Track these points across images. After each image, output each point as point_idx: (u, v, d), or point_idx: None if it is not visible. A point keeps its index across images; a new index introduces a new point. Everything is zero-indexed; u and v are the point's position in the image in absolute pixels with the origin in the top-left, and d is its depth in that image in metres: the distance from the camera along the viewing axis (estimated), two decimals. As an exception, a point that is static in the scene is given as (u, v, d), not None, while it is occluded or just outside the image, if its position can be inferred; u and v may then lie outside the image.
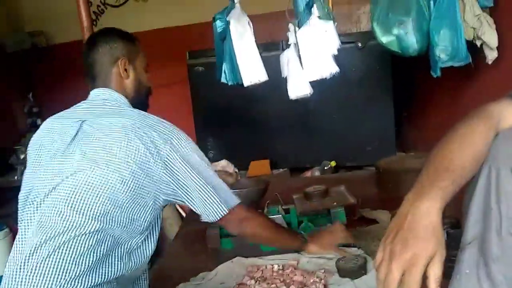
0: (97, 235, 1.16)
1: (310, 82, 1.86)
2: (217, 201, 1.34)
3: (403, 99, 3.42)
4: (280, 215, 1.86)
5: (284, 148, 3.36)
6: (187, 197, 1.33)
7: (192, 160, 1.32)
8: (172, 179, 1.28)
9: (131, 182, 1.22)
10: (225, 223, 1.43)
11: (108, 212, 1.18)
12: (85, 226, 1.15)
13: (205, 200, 1.33)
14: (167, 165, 1.27)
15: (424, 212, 0.88)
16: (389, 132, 3.18)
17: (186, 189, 1.31)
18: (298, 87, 1.82)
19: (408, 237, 0.86)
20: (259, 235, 1.53)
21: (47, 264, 1.11)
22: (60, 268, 1.11)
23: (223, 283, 1.68)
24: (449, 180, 0.92)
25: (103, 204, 1.18)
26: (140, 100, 1.53)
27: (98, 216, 1.17)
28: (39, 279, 1.10)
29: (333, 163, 3.24)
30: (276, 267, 1.72)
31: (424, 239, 0.85)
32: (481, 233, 0.96)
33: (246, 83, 1.90)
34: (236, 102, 3.28)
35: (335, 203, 1.80)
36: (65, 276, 1.11)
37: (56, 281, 1.10)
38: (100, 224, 1.16)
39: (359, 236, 1.89)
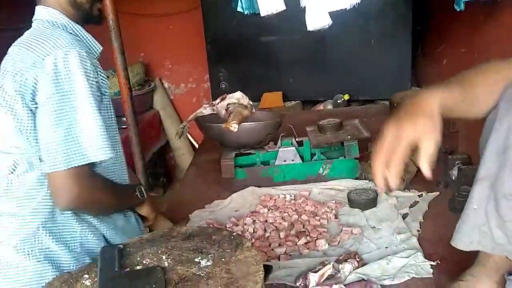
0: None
1: (329, 13, 1.80)
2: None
3: (420, 33, 3.31)
4: (294, 147, 1.88)
5: (296, 81, 3.32)
6: None
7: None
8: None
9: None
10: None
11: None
12: None
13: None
14: None
15: (423, 98, 0.95)
16: (405, 66, 3.12)
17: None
18: (317, 18, 1.77)
19: (404, 116, 0.93)
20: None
21: None
22: None
23: (237, 211, 1.74)
24: (456, 87, 0.97)
25: None
26: (83, 13, 1.32)
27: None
28: None
29: (346, 96, 3.21)
30: (288, 197, 1.77)
31: (421, 116, 0.92)
32: (496, 169, 0.99)
33: (263, 12, 1.84)
34: (250, 33, 3.20)
35: (349, 136, 1.81)
36: None
37: None
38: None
39: (370, 169, 1.92)
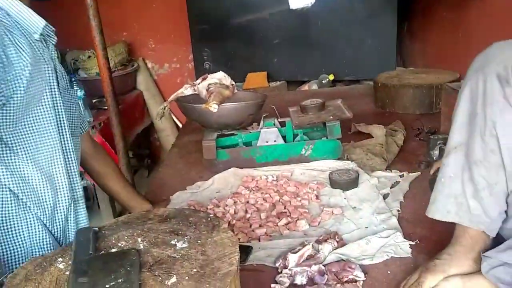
0: None
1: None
2: None
3: (406, 12, 3.29)
4: (276, 128, 1.86)
5: (281, 61, 3.30)
6: None
7: None
8: None
9: None
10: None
11: None
12: None
13: None
14: None
15: None
16: (390, 46, 3.11)
17: None
18: (300, -4, 1.74)
19: None
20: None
21: None
22: None
23: (219, 192, 1.73)
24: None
25: None
26: None
27: None
28: None
29: (331, 77, 3.20)
30: (270, 178, 1.77)
31: None
32: (467, 138, 1.01)
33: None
34: (234, 12, 3.16)
35: (331, 117, 1.80)
36: None
37: None
38: None
39: (353, 150, 1.92)
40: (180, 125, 3.99)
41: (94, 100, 3.35)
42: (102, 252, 0.95)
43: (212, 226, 0.98)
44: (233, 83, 1.99)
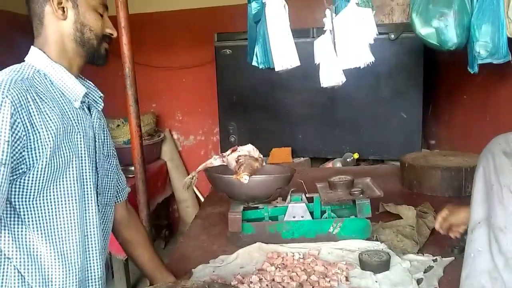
0: None
1: (343, 71, 1.81)
2: None
3: (431, 93, 3.35)
4: (304, 204, 1.83)
5: (306, 137, 3.32)
6: None
7: None
8: None
9: None
10: None
11: None
12: None
13: None
14: None
15: None
16: (415, 127, 3.12)
17: None
18: (331, 75, 1.78)
19: None
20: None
21: None
22: None
23: (243, 268, 1.67)
24: None
25: None
26: (89, 50, 1.18)
27: None
28: None
29: (356, 155, 3.19)
30: (297, 255, 1.70)
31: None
32: (488, 210, 1.05)
33: (278, 67, 1.86)
34: (261, 88, 3.25)
35: (361, 195, 1.77)
36: None
37: None
38: None
39: (382, 231, 1.86)
40: (201, 197, 3.97)
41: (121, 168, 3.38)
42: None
43: (243, 303, 0.93)
44: (261, 156, 2.00)
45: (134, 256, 1.45)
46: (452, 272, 1.56)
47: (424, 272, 1.55)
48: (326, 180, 1.93)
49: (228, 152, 1.88)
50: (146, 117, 3.75)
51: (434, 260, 1.63)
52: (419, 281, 1.49)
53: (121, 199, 1.36)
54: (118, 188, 1.34)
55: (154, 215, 3.88)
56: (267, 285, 1.49)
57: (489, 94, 2.55)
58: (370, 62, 1.78)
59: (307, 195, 1.89)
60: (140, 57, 2.79)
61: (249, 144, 1.97)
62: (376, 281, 1.50)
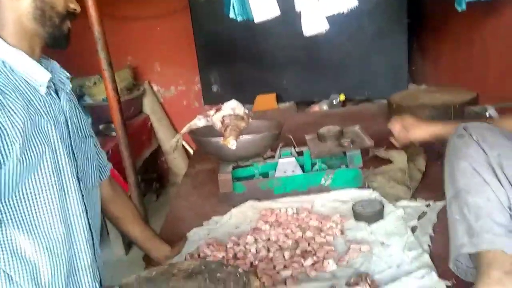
0: None
1: (326, 18, 1.72)
2: None
3: (416, 31, 3.25)
4: (293, 158, 1.80)
5: (290, 82, 3.25)
6: None
7: None
8: None
9: None
10: None
11: None
12: None
13: None
14: None
15: None
16: (401, 64, 3.05)
17: None
18: (314, 23, 1.68)
19: None
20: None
21: None
22: None
23: (238, 227, 1.66)
24: None
25: None
26: (50, 31, 1.07)
27: None
28: None
29: (342, 97, 3.14)
30: (290, 210, 1.69)
31: None
32: (457, 185, 1.16)
33: (257, 19, 1.75)
34: (241, 34, 3.12)
35: (351, 146, 1.74)
36: None
37: None
38: None
39: (374, 178, 1.85)
40: (188, 147, 3.94)
41: (100, 126, 3.29)
42: (126, 318, 0.88)
43: (242, 284, 0.91)
44: (247, 111, 1.93)
45: (125, 231, 1.43)
46: (445, 217, 1.57)
47: (418, 219, 1.56)
48: (315, 132, 1.89)
49: (212, 112, 1.81)
50: (122, 72, 3.61)
51: (427, 205, 1.64)
52: (413, 229, 1.50)
53: (104, 176, 1.31)
54: (100, 167, 1.29)
55: (143, 169, 3.86)
56: (263, 246, 1.49)
57: (475, 30, 2.48)
58: (353, 7, 1.68)
59: (296, 149, 1.85)
60: (108, 8, 2.62)
61: (233, 100, 1.90)
62: (371, 233, 1.51)
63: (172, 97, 4.06)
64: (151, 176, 4.09)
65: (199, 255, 1.49)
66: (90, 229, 1.13)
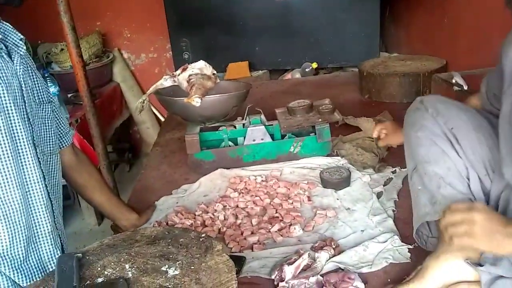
0: None
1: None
2: None
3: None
4: (263, 126, 1.79)
5: (263, 50, 3.20)
6: None
7: None
8: None
9: None
10: None
11: None
12: None
13: None
14: None
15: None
16: (373, 32, 3.04)
17: None
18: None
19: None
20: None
21: None
22: None
23: (206, 196, 1.66)
24: None
25: None
26: None
27: None
28: None
29: (314, 65, 3.12)
30: (259, 178, 1.70)
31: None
32: (416, 158, 1.18)
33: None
34: (214, 0, 3.04)
35: (320, 119, 1.73)
36: None
37: None
38: None
39: (342, 145, 1.87)
40: (161, 117, 3.88)
41: (69, 95, 3.20)
42: (88, 283, 0.87)
43: (205, 249, 0.92)
44: (215, 72, 1.90)
45: (89, 199, 1.40)
46: (410, 183, 1.60)
47: (384, 185, 1.59)
48: (287, 100, 1.87)
49: (179, 71, 1.77)
50: (91, 38, 3.48)
51: (393, 172, 1.67)
52: (379, 195, 1.53)
53: (65, 144, 1.27)
54: (61, 134, 1.25)
55: (115, 139, 3.80)
56: (231, 213, 1.50)
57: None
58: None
59: (266, 124, 1.83)
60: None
61: (201, 61, 1.86)
62: (338, 199, 1.53)
63: (143, 64, 3.96)
64: (124, 146, 4.03)
65: (167, 223, 1.49)
66: (49, 197, 1.10)
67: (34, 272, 1.07)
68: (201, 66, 1.84)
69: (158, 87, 1.80)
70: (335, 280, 1.14)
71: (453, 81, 1.76)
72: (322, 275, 1.16)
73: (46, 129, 1.13)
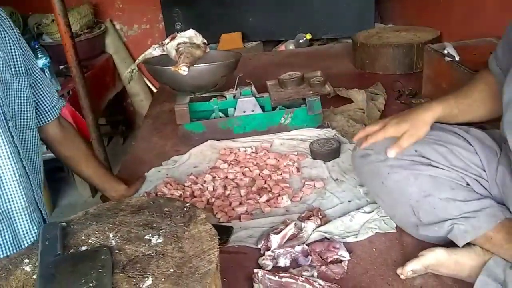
0: None
1: None
2: None
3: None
4: (253, 97, 1.78)
5: (257, 20, 3.15)
6: None
7: None
8: None
9: None
10: None
11: None
12: None
13: None
14: None
15: (420, 111, 1.13)
16: (368, 3, 2.99)
17: None
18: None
19: (397, 118, 1.14)
20: None
21: None
22: None
23: (196, 167, 1.66)
24: (452, 99, 1.14)
25: None
26: None
27: None
28: None
29: (308, 36, 3.08)
30: (249, 150, 1.70)
31: (408, 122, 1.11)
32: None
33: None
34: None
35: (311, 92, 1.72)
36: None
37: None
38: None
39: (333, 117, 1.86)
40: (154, 89, 3.85)
41: (61, 67, 3.17)
42: (71, 251, 0.88)
43: (188, 217, 0.92)
44: (205, 41, 1.87)
45: (77, 171, 1.40)
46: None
47: (373, 156, 1.59)
48: (280, 72, 1.85)
49: (167, 40, 1.75)
50: (82, 9, 3.42)
51: (383, 143, 1.66)
52: (367, 166, 1.53)
53: (50, 118, 1.26)
54: (45, 107, 1.23)
55: (108, 112, 3.78)
56: (220, 184, 1.50)
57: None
58: None
59: (257, 96, 1.81)
60: None
61: (191, 30, 1.84)
62: (327, 170, 1.54)
63: (136, 36, 3.91)
64: (117, 118, 4.02)
65: (156, 194, 1.50)
66: (26, 172, 1.09)
67: (8, 247, 1.07)
68: (190, 35, 1.81)
69: (147, 56, 1.78)
70: (321, 249, 1.15)
71: (445, 51, 1.74)
72: (307, 245, 1.17)
73: (20, 102, 1.11)
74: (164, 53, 1.76)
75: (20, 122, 1.11)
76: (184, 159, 1.71)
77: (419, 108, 1.15)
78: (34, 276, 0.83)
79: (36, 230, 1.11)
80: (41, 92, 1.21)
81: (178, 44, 1.69)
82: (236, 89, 1.81)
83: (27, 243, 1.09)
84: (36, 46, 2.76)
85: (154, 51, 1.78)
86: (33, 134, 1.16)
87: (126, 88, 3.92)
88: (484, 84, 1.15)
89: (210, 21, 3.15)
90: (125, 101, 4.12)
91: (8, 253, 1.06)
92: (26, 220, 1.09)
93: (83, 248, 0.89)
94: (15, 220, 1.08)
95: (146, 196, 1.48)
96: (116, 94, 3.79)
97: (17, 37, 1.13)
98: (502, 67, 1.09)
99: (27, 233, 1.10)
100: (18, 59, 1.10)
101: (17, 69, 1.10)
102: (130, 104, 4.11)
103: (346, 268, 1.10)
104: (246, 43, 3.18)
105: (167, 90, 2.26)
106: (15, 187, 1.06)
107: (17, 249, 1.08)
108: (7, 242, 1.07)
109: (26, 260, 0.88)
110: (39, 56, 2.67)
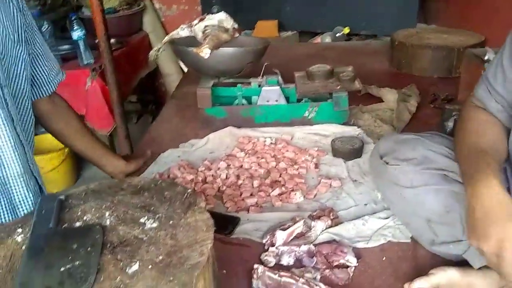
0: None
1: None
2: None
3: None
4: (278, 87, 1.72)
5: (294, 9, 3.07)
6: None
7: None
8: None
9: None
10: None
11: None
12: None
13: None
14: None
15: (487, 195, 0.85)
16: (412, 1, 2.86)
17: None
18: None
19: (485, 225, 0.83)
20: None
21: None
22: None
23: (212, 153, 1.63)
24: (490, 159, 0.93)
25: None
26: None
27: None
28: None
29: (346, 30, 2.99)
30: (268, 140, 1.65)
31: (501, 220, 0.81)
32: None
33: None
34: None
35: (338, 87, 1.64)
36: None
37: None
38: None
39: (361, 115, 1.79)
40: (185, 69, 3.83)
41: (96, 40, 3.18)
42: (64, 226, 0.85)
43: (188, 204, 0.88)
44: (236, 26, 1.82)
45: (70, 145, 1.36)
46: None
47: (397, 160, 1.51)
48: (312, 65, 1.78)
49: (196, 21, 1.71)
50: (122, -16, 3.43)
51: (409, 148, 1.58)
52: (390, 170, 1.45)
53: (47, 92, 1.23)
54: (40, 82, 1.20)
55: (139, 90, 3.79)
56: (233, 172, 1.46)
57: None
58: None
59: (282, 86, 1.75)
60: None
61: (222, 12, 1.79)
62: (346, 169, 1.47)
63: (173, 16, 3.89)
64: (148, 97, 4.03)
65: (168, 176, 1.47)
66: (20, 139, 1.07)
67: (4, 214, 1.06)
68: (221, 18, 1.76)
69: (174, 36, 1.74)
70: (327, 251, 1.09)
71: (485, 57, 1.63)
72: (314, 245, 1.11)
73: (16, 69, 1.08)
74: (192, 34, 1.72)
75: (15, 89, 1.09)
76: (202, 143, 1.68)
77: (479, 200, 0.87)
78: (23, 248, 0.81)
79: (32, 198, 1.09)
80: (39, 66, 1.18)
81: (206, 26, 1.65)
82: (262, 77, 1.75)
83: (23, 210, 1.08)
84: (73, 18, 2.77)
85: (182, 32, 1.74)
86: (27, 103, 1.13)
87: (160, 68, 3.92)
88: (492, 133, 1.03)
89: (248, 7, 3.10)
90: (157, 81, 4.13)
91: (4, 220, 1.05)
92: (22, 187, 1.08)
93: (77, 224, 0.86)
94: (11, 186, 1.07)
95: (158, 176, 1.46)
96: (149, 73, 3.79)
97: (21, 6, 1.10)
98: (503, 104, 1.02)
99: (23, 200, 1.08)
100: (19, 26, 1.08)
101: (18, 35, 1.07)
102: (162, 84, 4.11)
103: (351, 274, 1.04)
104: (282, 32, 3.11)
105: (196, 72, 2.23)
106: (11, 153, 1.04)
107: (13, 217, 1.07)
108: (2, 208, 1.06)
109: (19, 230, 0.86)
110: (75, 28, 2.68)
